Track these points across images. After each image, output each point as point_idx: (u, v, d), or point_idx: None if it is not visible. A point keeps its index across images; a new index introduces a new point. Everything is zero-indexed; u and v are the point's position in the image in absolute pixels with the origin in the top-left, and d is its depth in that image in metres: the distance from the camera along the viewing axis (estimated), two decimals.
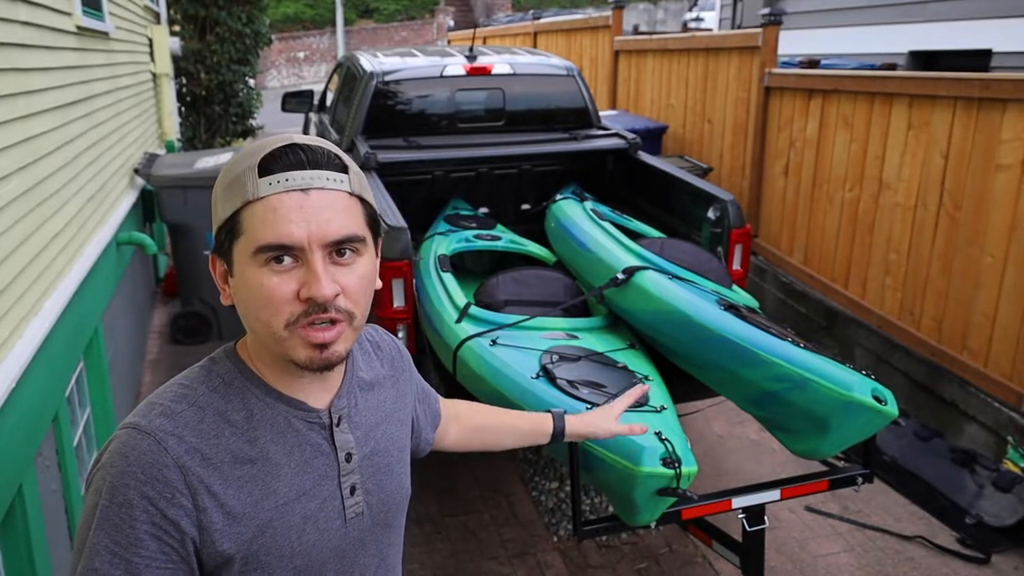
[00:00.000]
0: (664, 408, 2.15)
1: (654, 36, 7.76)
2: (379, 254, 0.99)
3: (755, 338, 2.26)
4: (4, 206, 2.22)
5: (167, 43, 6.42)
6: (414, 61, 4.22)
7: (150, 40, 6.15)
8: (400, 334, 2.94)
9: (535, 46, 9.07)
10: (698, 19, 16.19)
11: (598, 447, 1.98)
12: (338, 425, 1.00)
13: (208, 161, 4.78)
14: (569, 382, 2.24)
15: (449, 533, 3.05)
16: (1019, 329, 3.23)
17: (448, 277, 2.98)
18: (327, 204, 0.88)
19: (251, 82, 8.85)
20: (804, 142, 4.62)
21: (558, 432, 1.45)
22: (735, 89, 5.25)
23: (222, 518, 0.89)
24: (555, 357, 2.39)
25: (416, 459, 1.23)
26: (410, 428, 1.19)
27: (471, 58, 4.20)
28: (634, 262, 2.77)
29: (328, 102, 5.31)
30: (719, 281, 2.89)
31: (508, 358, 2.38)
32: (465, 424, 1.40)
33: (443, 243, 3.35)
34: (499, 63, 4.20)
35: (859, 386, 2.05)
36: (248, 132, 8.78)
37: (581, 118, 4.33)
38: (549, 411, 1.47)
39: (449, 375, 2.70)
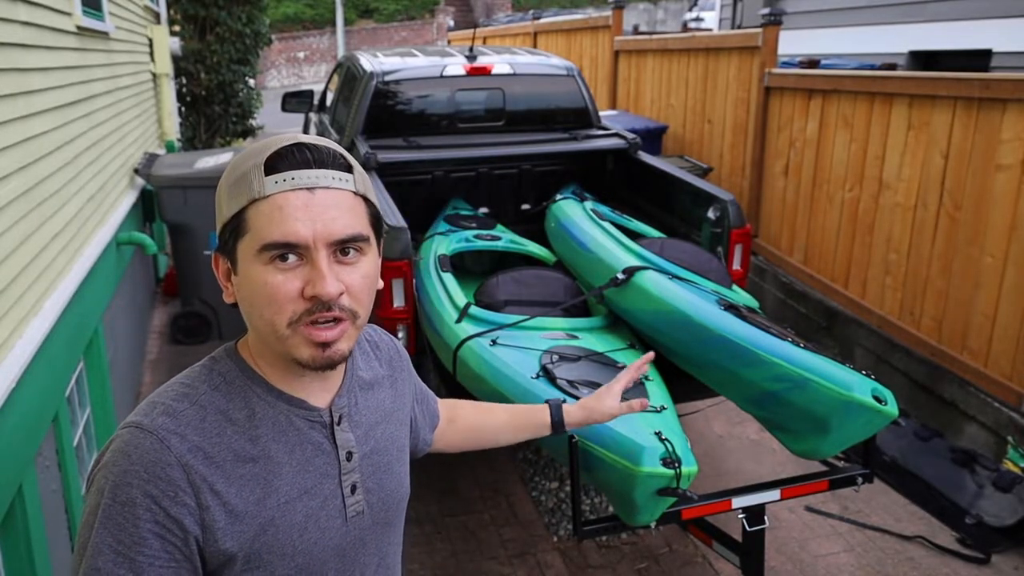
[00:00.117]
0: (664, 408, 2.15)
1: (654, 36, 7.76)
2: (381, 254, 0.99)
3: (755, 338, 2.26)
4: (4, 206, 2.22)
5: (167, 43, 6.42)
6: (414, 61, 4.23)
7: (150, 40, 6.15)
8: (400, 334, 2.94)
9: (535, 46, 9.07)
10: (698, 19, 16.19)
11: (598, 447, 1.98)
12: (339, 424, 1.00)
13: (208, 161, 4.78)
14: (569, 382, 2.24)
15: (449, 533, 3.05)
16: (1019, 329, 3.23)
17: (448, 277, 2.98)
18: (332, 203, 0.88)
19: (251, 82, 8.85)
20: (804, 142, 4.63)
21: (556, 422, 1.42)
22: (735, 89, 5.26)
23: (225, 516, 0.89)
24: (555, 357, 2.39)
25: (414, 459, 1.23)
26: (408, 428, 1.19)
27: (471, 58, 4.20)
28: (634, 262, 2.77)
29: (328, 102, 5.32)
30: (719, 281, 2.89)
31: (508, 358, 2.38)
32: (462, 424, 1.39)
33: (443, 243, 3.36)
34: (499, 63, 4.20)
35: (859, 386, 2.05)
36: (248, 132, 8.78)
37: (581, 118, 4.33)
38: (546, 402, 1.44)
39: (449, 375, 2.70)
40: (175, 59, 7.15)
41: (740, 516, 2.28)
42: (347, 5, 20.97)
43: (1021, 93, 3.18)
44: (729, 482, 3.24)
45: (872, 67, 6.19)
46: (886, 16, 7.40)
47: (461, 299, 2.80)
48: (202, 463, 0.89)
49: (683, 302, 2.45)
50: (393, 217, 2.97)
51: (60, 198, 2.86)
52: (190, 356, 4.35)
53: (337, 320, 0.89)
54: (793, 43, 7.73)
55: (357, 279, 0.90)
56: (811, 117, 4.54)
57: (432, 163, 4.01)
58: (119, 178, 4.26)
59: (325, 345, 0.89)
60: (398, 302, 2.90)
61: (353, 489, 1.00)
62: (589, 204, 3.58)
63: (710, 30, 12.83)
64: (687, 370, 2.58)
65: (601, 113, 4.83)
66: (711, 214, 3.36)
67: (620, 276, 2.69)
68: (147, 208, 5.01)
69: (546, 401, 1.45)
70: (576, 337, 2.64)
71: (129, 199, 4.45)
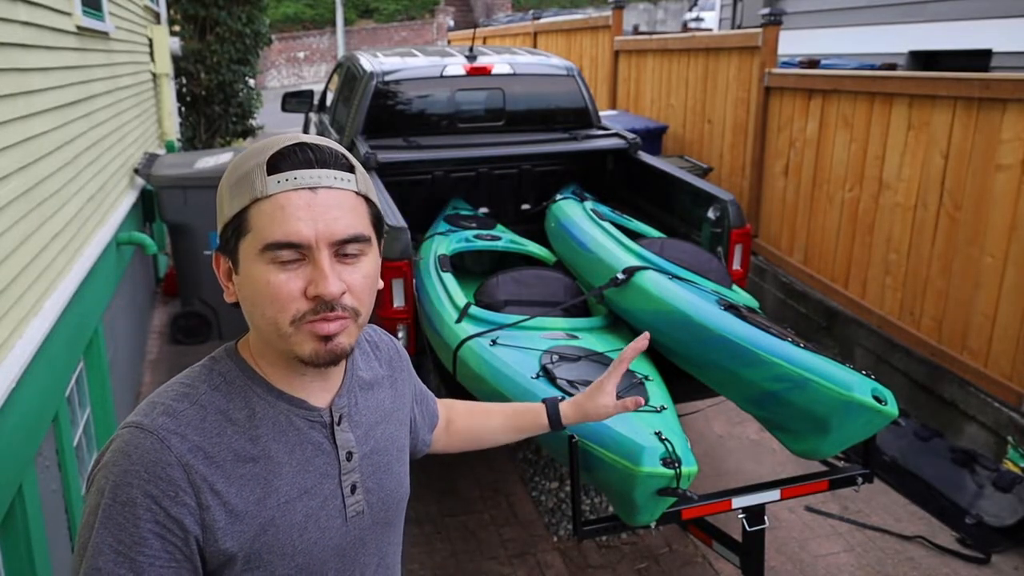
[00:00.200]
0: (664, 408, 2.15)
1: (654, 36, 7.76)
2: (381, 254, 0.99)
3: (755, 338, 2.26)
4: (4, 206, 2.22)
5: (167, 43, 6.42)
6: (414, 61, 4.23)
7: (150, 40, 6.15)
8: (400, 334, 2.95)
9: (535, 46, 9.07)
10: (698, 19, 16.19)
11: (598, 447, 1.98)
12: (339, 424, 1.00)
13: (208, 161, 4.78)
14: (569, 382, 2.24)
15: (449, 533, 3.05)
16: (1019, 329, 3.23)
17: (448, 277, 2.98)
18: (334, 203, 0.88)
19: (251, 82, 8.84)
20: (804, 142, 4.63)
21: (554, 421, 1.41)
22: (735, 89, 5.26)
23: (225, 516, 0.89)
24: (555, 357, 2.39)
25: (413, 459, 1.23)
26: (408, 428, 1.19)
27: (471, 58, 4.20)
28: (634, 262, 2.77)
29: (328, 102, 5.32)
30: (719, 281, 2.89)
31: (508, 358, 2.38)
32: (461, 424, 1.40)
33: (443, 243, 3.36)
34: (499, 63, 4.20)
35: (859, 386, 2.05)
36: (248, 132, 8.78)
37: (581, 118, 4.33)
38: (544, 400, 1.44)
39: (449, 375, 2.70)
40: (175, 59, 7.15)
41: (740, 516, 2.28)
42: (347, 5, 20.97)
43: (1021, 93, 3.18)
44: (729, 482, 3.24)
45: (872, 67, 6.20)
46: (886, 16, 7.40)
47: (461, 299, 2.80)
48: (202, 463, 0.89)
49: (683, 302, 2.45)
50: (393, 217, 2.97)
51: (60, 198, 2.86)
52: (190, 356, 4.35)
53: (339, 318, 0.90)
54: (793, 43, 7.73)
55: (359, 279, 0.91)
56: (811, 117, 4.54)
57: (432, 163, 4.01)
58: (119, 178, 4.26)
59: (327, 339, 0.89)
60: (398, 302, 2.90)
61: (353, 489, 1.00)
62: (589, 204, 3.58)
63: (710, 30, 12.83)
64: (687, 370, 2.58)
65: (601, 113, 4.83)
66: (711, 214, 3.36)
67: (620, 276, 2.69)
68: (147, 208, 5.01)
69: (544, 400, 1.45)
70: (576, 337, 2.64)
71: (129, 199, 4.45)
